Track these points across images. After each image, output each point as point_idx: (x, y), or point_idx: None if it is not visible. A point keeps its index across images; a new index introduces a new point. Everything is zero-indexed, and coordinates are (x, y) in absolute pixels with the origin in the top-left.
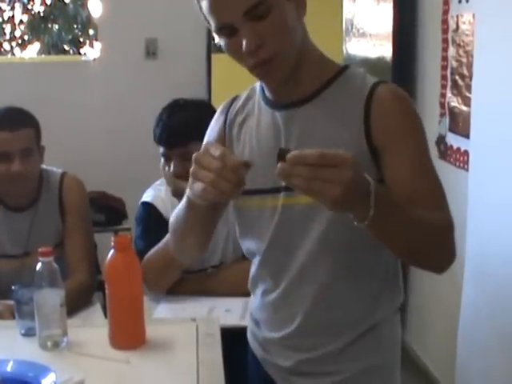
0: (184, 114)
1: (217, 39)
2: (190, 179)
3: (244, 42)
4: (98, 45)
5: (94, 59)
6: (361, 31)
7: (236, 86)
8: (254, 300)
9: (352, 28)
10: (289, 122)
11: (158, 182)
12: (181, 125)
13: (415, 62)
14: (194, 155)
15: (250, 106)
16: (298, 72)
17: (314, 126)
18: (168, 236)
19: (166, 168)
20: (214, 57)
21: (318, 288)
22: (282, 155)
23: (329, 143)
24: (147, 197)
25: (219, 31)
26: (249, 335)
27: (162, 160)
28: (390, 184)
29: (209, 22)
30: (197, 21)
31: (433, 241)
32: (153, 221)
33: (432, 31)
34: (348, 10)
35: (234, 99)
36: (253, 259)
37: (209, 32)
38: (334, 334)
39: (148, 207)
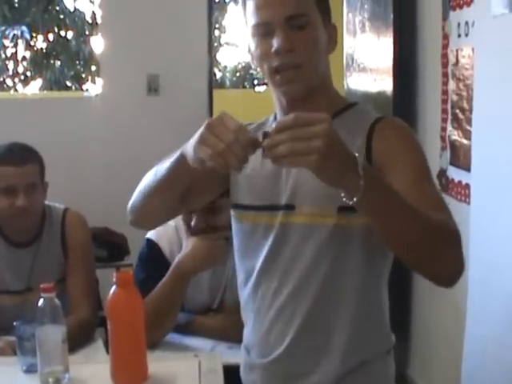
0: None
1: (248, 39)
2: (197, 140)
3: (276, 42)
4: (99, 81)
5: (96, 95)
6: (361, 66)
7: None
8: (247, 327)
9: (353, 63)
10: None
11: (171, 223)
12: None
13: (416, 96)
14: (207, 121)
15: (261, 131)
16: (315, 97)
17: None
18: (141, 190)
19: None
20: (216, 92)
21: (308, 309)
22: (266, 137)
23: None
24: (152, 233)
25: (256, 28)
26: (241, 369)
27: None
28: None
29: (246, 22)
30: (198, 57)
31: (438, 238)
32: (154, 262)
33: (432, 65)
34: (349, 45)
35: (249, 125)
36: (246, 285)
37: (210, 67)
38: (323, 359)
39: (151, 245)
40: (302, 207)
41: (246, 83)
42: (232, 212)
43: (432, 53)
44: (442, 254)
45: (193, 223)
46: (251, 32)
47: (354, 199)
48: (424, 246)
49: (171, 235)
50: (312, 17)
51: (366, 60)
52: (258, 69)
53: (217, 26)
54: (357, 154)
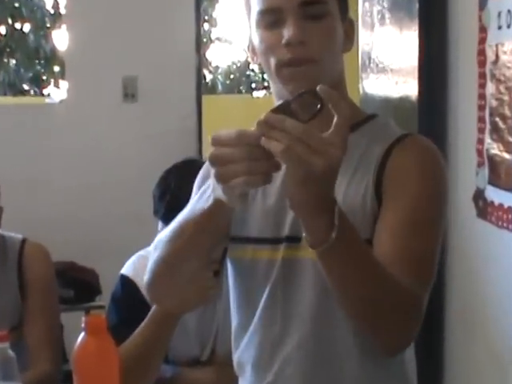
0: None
1: (249, 30)
2: (216, 181)
3: (287, 32)
4: (64, 84)
5: (61, 102)
6: (380, 66)
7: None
8: (242, 382)
9: (370, 62)
10: None
11: (147, 249)
12: None
13: (446, 102)
14: (208, 154)
15: None
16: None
17: None
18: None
19: None
20: (206, 99)
21: (319, 362)
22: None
23: (339, 191)
24: (128, 269)
25: (262, 16)
26: None
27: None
28: (374, 238)
29: (249, 9)
30: (184, 55)
31: (391, 302)
32: (130, 302)
33: (466, 64)
34: (365, 41)
35: None
36: (242, 333)
37: (198, 68)
38: None
39: (126, 283)
40: None
41: (241, 87)
42: (228, 248)
43: (466, 49)
44: (392, 321)
45: None
46: (256, 20)
47: (319, 249)
48: (376, 307)
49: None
50: (330, 6)
51: (386, 59)
52: (260, 66)
53: (206, 18)
54: (336, 201)
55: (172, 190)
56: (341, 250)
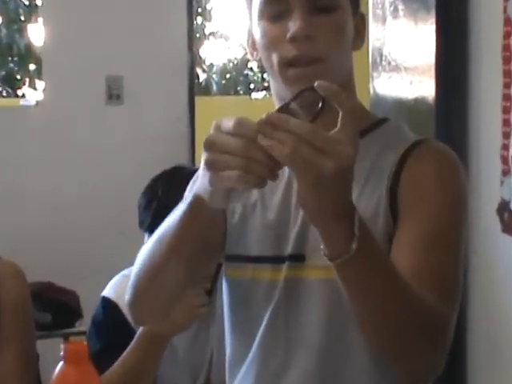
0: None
1: (251, 23)
2: (205, 170)
3: (294, 26)
4: (41, 84)
5: (37, 104)
6: (393, 64)
7: None
8: None
9: (381, 60)
10: None
11: (130, 268)
12: None
13: (467, 104)
14: (205, 139)
15: None
16: (333, 107)
17: None
18: (141, 271)
19: None
20: (199, 100)
21: None
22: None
23: None
24: (110, 290)
25: (265, 7)
26: None
27: None
28: (392, 254)
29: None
30: (175, 52)
31: (416, 321)
32: (113, 327)
33: (489, 61)
34: (376, 36)
35: None
36: (239, 363)
37: (191, 67)
38: None
39: (108, 306)
40: (315, 257)
41: (239, 88)
42: (224, 266)
43: (489, 44)
44: (419, 343)
45: None
46: (258, 11)
47: (338, 261)
48: (395, 326)
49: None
50: None
51: (400, 56)
52: (260, 63)
53: (199, 11)
54: (356, 209)
55: (159, 198)
56: (362, 262)
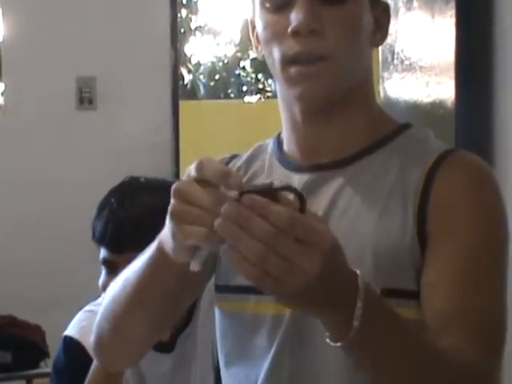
0: (143, 200)
1: (252, 14)
2: (171, 219)
3: (296, 17)
4: (0, 86)
5: None
6: (406, 63)
7: (214, 145)
8: None
9: (393, 58)
10: (312, 191)
11: (96, 302)
12: (137, 217)
13: (491, 108)
14: (174, 186)
15: (256, 167)
16: (348, 111)
17: (351, 202)
18: (106, 315)
19: (104, 278)
20: (184, 105)
21: None
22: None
23: (366, 229)
24: (73, 328)
25: None
26: None
27: (104, 272)
28: (422, 295)
29: None
30: (156, 50)
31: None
32: (77, 370)
33: None
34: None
35: (233, 157)
36: None
37: (175, 67)
38: None
39: (71, 347)
40: None
41: (229, 90)
42: (219, 298)
43: None
44: None
45: None
46: (260, 4)
47: (339, 343)
48: None
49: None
50: None
51: (414, 53)
52: (268, 61)
53: (184, 2)
54: (360, 276)
55: (111, 204)
56: (366, 343)
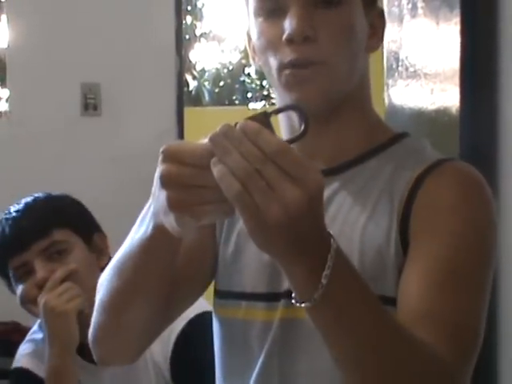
0: (36, 205)
1: (248, 22)
2: (161, 206)
3: (290, 24)
4: (4, 93)
5: (0, 115)
6: (411, 70)
7: None
8: None
9: (398, 65)
10: None
11: (34, 328)
12: (34, 213)
13: (496, 115)
14: (162, 148)
15: None
16: (343, 119)
17: (340, 208)
18: (101, 305)
19: (21, 289)
20: (189, 111)
21: None
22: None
23: (354, 232)
24: (18, 359)
25: (260, 3)
26: None
27: (20, 286)
28: (399, 294)
29: None
30: (161, 57)
31: (414, 376)
32: None
33: None
34: (391, 38)
35: None
36: None
37: (179, 73)
38: None
39: (20, 377)
40: None
41: (234, 97)
42: (214, 304)
43: None
44: None
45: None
46: (254, 8)
47: (305, 303)
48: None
49: (42, 352)
50: None
51: (419, 60)
52: (260, 69)
53: (189, 9)
54: (332, 236)
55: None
56: (333, 308)
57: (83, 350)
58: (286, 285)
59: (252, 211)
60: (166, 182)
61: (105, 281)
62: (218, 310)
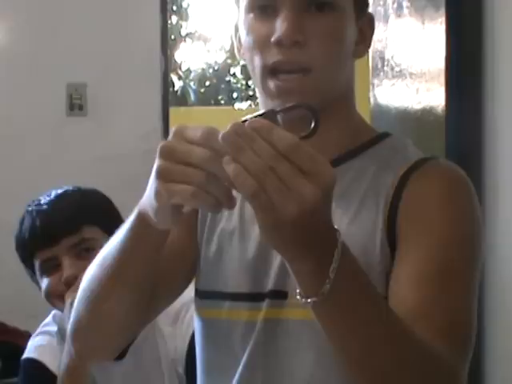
0: (68, 199)
1: (237, 20)
2: (156, 180)
3: (280, 26)
4: None
5: None
6: (396, 69)
7: None
8: None
9: (383, 65)
10: None
11: (47, 321)
12: (66, 208)
13: (481, 114)
14: (161, 145)
15: None
16: (328, 122)
17: None
18: (83, 297)
19: (47, 283)
20: (174, 111)
21: None
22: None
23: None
24: (30, 351)
25: (251, 2)
26: None
27: (45, 279)
28: (390, 295)
29: None
30: (146, 56)
31: (418, 373)
32: None
33: (508, 66)
34: (377, 37)
35: None
36: None
37: (165, 73)
38: None
39: (31, 367)
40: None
41: (220, 97)
42: (196, 304)
43: (508, 47)
44: None
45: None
46: (246, 3)
47: (311, 299)
48: (391, 379)
49: (56, 345)
50: None
51: (404, 60)
52: (249, 67)
53: (174, 8)
54: (339, 233)
55: (31, 212)
56: (338, 304)
57: None
58: (270, 285)
59: (268, 209)
60: (162, 152)
61: (89, 270)
62: (201, 310)
